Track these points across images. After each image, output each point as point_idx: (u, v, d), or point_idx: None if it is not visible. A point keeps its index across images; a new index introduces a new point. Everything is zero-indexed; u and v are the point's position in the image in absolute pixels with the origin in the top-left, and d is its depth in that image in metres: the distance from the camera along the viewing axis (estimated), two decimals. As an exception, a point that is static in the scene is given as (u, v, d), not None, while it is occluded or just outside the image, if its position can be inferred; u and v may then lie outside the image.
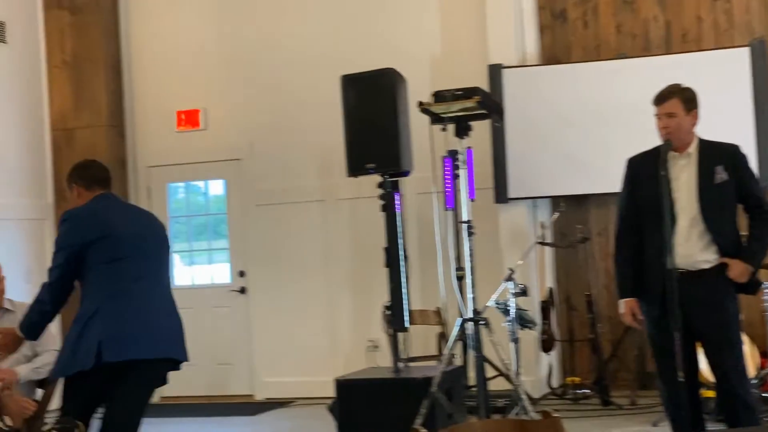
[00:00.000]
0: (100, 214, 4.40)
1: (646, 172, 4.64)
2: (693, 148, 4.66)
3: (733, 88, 7.40)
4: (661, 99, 4.65)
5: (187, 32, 9.12)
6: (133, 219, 4.57)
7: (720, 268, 4.58)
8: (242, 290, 8.96)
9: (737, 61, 7.48)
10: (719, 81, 7.33)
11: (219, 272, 9.22)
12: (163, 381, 4.55)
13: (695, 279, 4.55)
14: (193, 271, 9.41)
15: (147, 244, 4.47)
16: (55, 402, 4.84)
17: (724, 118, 6.93)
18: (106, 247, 4.29)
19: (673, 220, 4.52)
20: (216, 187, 9.33)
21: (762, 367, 6.70)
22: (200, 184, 9.38)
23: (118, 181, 9.08)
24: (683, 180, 4.63)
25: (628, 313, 4.71)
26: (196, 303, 9.08)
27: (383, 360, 7.48)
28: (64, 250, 4.29)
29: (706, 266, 4.58)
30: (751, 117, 7.43)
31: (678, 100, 4.62)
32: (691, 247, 4.57)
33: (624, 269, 4.75)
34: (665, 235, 4.46)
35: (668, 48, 7.96)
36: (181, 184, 9.36)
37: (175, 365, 4.49)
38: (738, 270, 4.57)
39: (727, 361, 4.57)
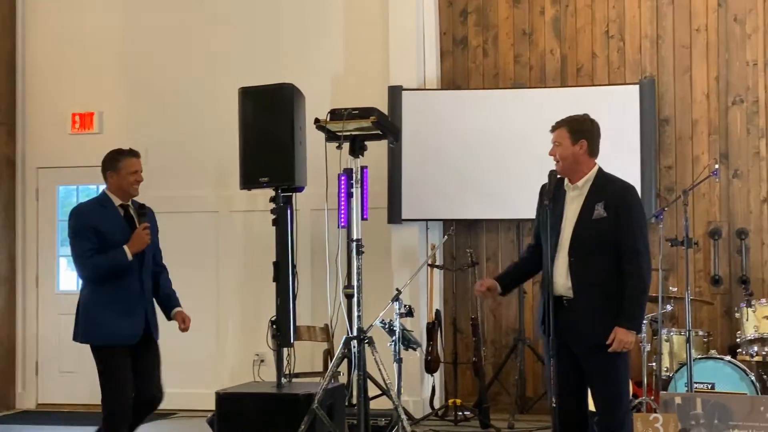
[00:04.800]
0: None
1: (542, 201, 4.70)
2: (583, 182, 4.66)
3: (622, 124, 7.61)
4: (552, 128, 4.74)
5: (86, 33, 8.95)
6: None
7: (603, 304, 4.53)
8: (129, 298, 8.79)
9: (627, 98, 7.72)
10: (610, 116, 7.48)
11: (106, 279, 9.01)
12: None
13: (576, 308, 4.55)
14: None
15: None
16: None
17: (613, 153, 7.09)
18: None
19: (556, 250, 4.59)
20: (108, 192, 9.14)
21: (636, 396, 6.88)
22: (92, 187, 9.19)
23: (6, 181, 8.85)
24: (570, 212, 4.63)
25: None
26: (81, 309, 8.90)
27: (269, 374, 7.44)
28: None
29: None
30: (637, 153, 7.67)
31: (564, 130, 4.68)
32: (567, 281, 4.56)
33: (508, 267, 5.18)
34: (545, 265, 4.57)
35: (563, 81, 8.18)
36: (73, 187, 9.16)
37: None
38: (618, 340, 4.45)
39: (601, 392, 4.59)
